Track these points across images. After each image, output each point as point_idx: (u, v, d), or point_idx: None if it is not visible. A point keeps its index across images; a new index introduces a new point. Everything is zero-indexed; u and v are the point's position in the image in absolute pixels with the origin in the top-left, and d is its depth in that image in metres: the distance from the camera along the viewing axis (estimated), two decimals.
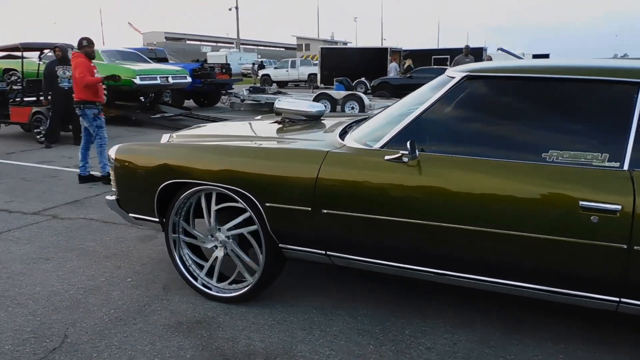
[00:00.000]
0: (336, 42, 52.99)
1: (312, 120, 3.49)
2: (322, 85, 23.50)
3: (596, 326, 2.63)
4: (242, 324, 2.70)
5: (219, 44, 58.56)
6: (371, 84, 19.60)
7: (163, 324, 2.69)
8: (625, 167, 2.02)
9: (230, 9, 41.77)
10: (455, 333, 2.58)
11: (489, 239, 2.16)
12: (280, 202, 2.51)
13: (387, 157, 2.33)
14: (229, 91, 15.24)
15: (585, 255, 2.03)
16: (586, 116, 2.18)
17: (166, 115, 12.04)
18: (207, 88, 15.12)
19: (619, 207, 1.95)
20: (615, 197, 1.96)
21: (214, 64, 17.10)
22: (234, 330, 2.63)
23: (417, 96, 2.76)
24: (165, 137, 3.35)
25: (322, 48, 27.13)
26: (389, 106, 3.11)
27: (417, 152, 2.23)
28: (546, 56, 36.95)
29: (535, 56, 33.64)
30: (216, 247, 2.90)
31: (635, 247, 1.93)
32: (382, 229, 2.35)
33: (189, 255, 3.02)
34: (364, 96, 13.03)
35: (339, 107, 12.79)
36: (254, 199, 2.57)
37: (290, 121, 3.50)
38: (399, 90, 17.48)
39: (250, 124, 3.73)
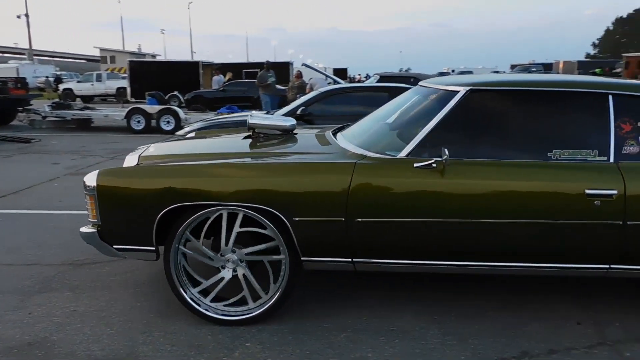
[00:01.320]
0: (144, 55, 50.84)
1: (287, 134, 3.50)
2: (133, 100, 22.49)
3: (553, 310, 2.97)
4: (80, 337, 2.75)
5: (6, 55, 51.46)
6: (185, 98, 19.47)
7: None
8: (612, 160, 2.56)
9: (19, 17, 37.15)
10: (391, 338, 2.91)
11: (512, 229, 2.53)
12: (311, 215, 2.58)
13: (416, 165, 2.56)
14: (26, 107, 13.73)
15: (590, 233, 2.51)
16: (576, 120, 2.71)
17: None
18: None
19: (615, 191, 2.47)
20: (611, 184, 2.48)
21: (5, 77, 15.20)
22: (72, 345, 2.67)
23: (397, 107, 3.30)
24: (130, 160, 3.09)
25: (130, 61, 25.92)
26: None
27: (442, 159, 2.47)
28: (344, 70, 40.80)
29: (335, 70, 36.93)
30: (223, 267, 2.82)
31: (628, 222, 2.47)
32: (414, 230, 2.58)
33: (185, 270, 2.85)
34: (179, 110, 13.00)
35: (154, 122, 12.55)
36: (281, 215, 2.58)
37: (266, 136, 3.49)
38: (213, 103, 17.74)
39: (225, 140, 3.79)
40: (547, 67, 40.93)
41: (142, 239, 2.72)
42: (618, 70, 33.78)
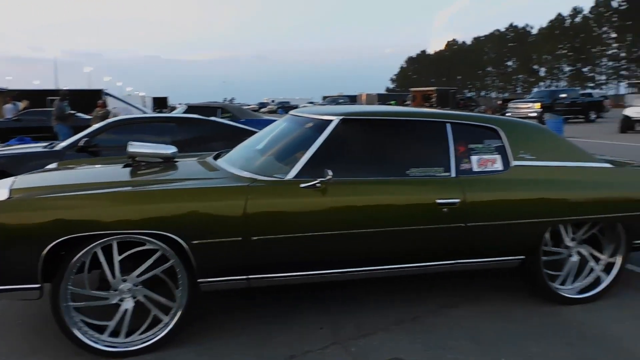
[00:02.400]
0: None
1: (168, 161, 3.45)
2: None
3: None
4: None
5: None
6: None
7: None
8: (453, 175, 3.05)
9: None
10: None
11: (384, 236, 2.87)
12: (210, 237, 2.63)
13: (302, 185, 2.76)
14: None
15: (442, 235, 2.96)
16: (425, 143, 3.16)
17: None
18: None
19: (458, 200, 2.94)
20: (455, 194, 2.95)
21: None
22: None
23: (271, 134, 3.54)
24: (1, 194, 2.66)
25: None
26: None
27: (326, 179, 2.71)
28: (165, 99, 39.91)
29: (155, 99, 35.96)
30: (122, 300, 2.67)
31: (468, 224, 2.97)
32: (304, 244, 2.76)
33: (83, 321, 2.62)
34: None
35: None
36: (180, 240, 2.58)
37: (147, 164, 3.39)
38: (6, 134, 15.96)
39: (106, 169, 3.55)
40: (353, 99, 45.50)
41: (25, 277, 2.52)
42: (408, 102, 39.11)
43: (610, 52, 66.11)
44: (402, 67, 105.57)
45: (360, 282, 3.57)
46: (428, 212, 2.92)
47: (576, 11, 67.80)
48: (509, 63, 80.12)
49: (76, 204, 2.56)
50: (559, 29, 68.43)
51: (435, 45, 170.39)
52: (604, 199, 3.23)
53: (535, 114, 22.93)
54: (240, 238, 2.67)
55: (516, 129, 3.30)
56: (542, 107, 23.14)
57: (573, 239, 3.28)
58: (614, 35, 64.46)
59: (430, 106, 34.76)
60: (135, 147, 3.37)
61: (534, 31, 74.65)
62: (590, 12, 66.18)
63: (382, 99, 45.16)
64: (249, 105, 58.80)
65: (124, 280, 2.66)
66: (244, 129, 6.00)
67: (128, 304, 2.67)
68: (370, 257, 2.94)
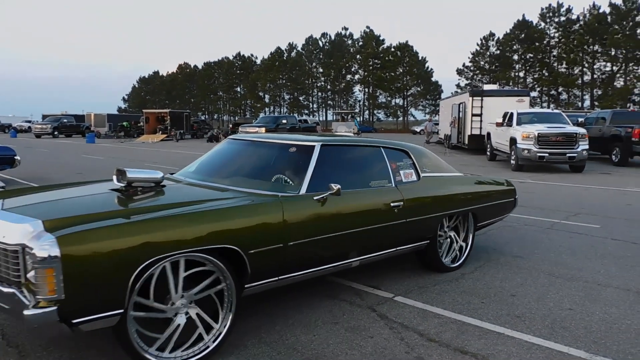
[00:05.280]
0: None
1: (159, 185, 3.53)
2: None
3: None
4: None
5: None
6: None
7: None
8: (393, 185, 4.11)
9: None
10: None
11: (369, 232, 3.74)
12: (261, 246, 3.04)
13: (315, 198, 3.39)
14: None
15: (394, 228, 3.95)
16: (375, 162, 4.13)
17: None
18: None
19: (401, 202, 4.01)
20: (398, 198, 3.99)
21: None
22: None
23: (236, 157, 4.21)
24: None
25: None
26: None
27: (330, 192, 3.37)
28: None
29: None
30: (176, 315, 2.81)
31: (407, 219, 4.02)
32: (320, 244, 3.41)
33: (137, 331, 2.67)
34: None
35: None
36: (240, 250, 2.92)
37: (143, 188, 3.43)
38: None
39: (106, 195, 3.36)
40: (79, 119, 42.02)
41: (110, 304, 2.48)
42: (141, 124, 38.26)
43: (319, 84, 77.43)
44: (134, 87, 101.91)
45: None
46: (389, 212, 3.91)
47: (292, 46, 77.30)
48: (238, 89, 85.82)
49: (154, 227, 2.67)
50: (278, 60, 76.78)
51: (167, 66, 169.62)
52: (468, 196, 4.76)
53: None
54: (281, 245, 3.15)
55: (415, 151, 4.56)
56: (266, 131, 25.99)
57: (448, 226, 4.67)
58: (321, 70, 75.82)
59: (165, 128, 34.95)
60: (134, 174, 3.40)
61: (258, 61, 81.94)
62: (302, 49, 76.37)
63: (112, 119, 42.95)
64: None
65: (182, 297, 2.82)
66: None
67: (181, 319, 2.82)
68: (359, 249, 3.79)
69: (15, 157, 9.95)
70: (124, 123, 38.72)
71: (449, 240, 4.70)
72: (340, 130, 23.70)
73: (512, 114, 15.00)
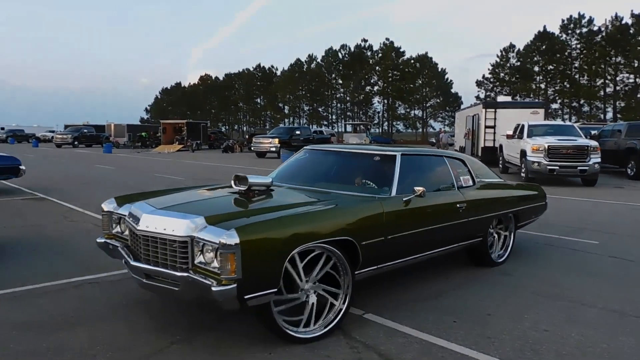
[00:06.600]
0: None
1: (269, 189, 4.04)
2: None
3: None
4: None
5: None
6: None
7: None
8: (456, 188, 4.69)
9: None
10: None
11: (437, 230, 4.26)
12: (370, 238, 3.60)
13: (404, 198, 3.93)
14: None
15: (461, 226, 4.54)
16: (438, 171, 4.72)
17: None
18: None
19: (465, 204, 4.55)
20: (462, 200, 4.58)
21: None
22: None
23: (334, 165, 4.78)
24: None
25: None
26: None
27: (415, 194, 3.94)
28: None
29: None
30: (307, 296, 3.32)
31: (469, 219, 4.62)
32: (409, 238, 3.96)
33: (282, 319, 3.26)
34: None
35: None
36: (355, 242, 3.46)
37: (260, 191, 3.95)
38: None
39: (229, 197, 3.94)
40: (100, 129, 42.85)
41: (268, 283, 2.99)
42: (158, 134, 38.81)
43: (338, 95, 77.61)
44: (156, 98, 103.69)
45: None
46: (456, 212, 4.49)
47: (311, 58, 77.74)
48: (258, 100, 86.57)
49: (301, 221, 3.28)
50: (298, 72, 77.29)
51: (190, 78, 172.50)
52: (512, 199, 5.43)
53: (274, 148, 25.73)
54: (382, 238, 3.71)
55: (469, 159, 5.27)
56: (280, 142, 26.04)
57: (495, 226, 5.26)
58: (340, 81, 76.01)
59: (182, 139, 35.38)
60: (255, 179, 3.94)
61: (279, 72, 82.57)
62: (322, 60, 76.75)
63: (132, 130, 43.69)
64: None
65: (306, 282, 3.31)
66: None
67: (313, 299, 3.35)
68: (435, 243, 4.38)
69: (20, 167, 10.16)
70: (143, 133, 39.35)
71: (495, 237, 5.28)
72: (351, 142, 23.70)
73: (523, 126, 14.71)
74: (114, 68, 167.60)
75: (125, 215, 3.74)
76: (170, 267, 3.09)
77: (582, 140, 13.18)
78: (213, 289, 2.81)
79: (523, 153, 13.46)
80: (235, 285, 2.82)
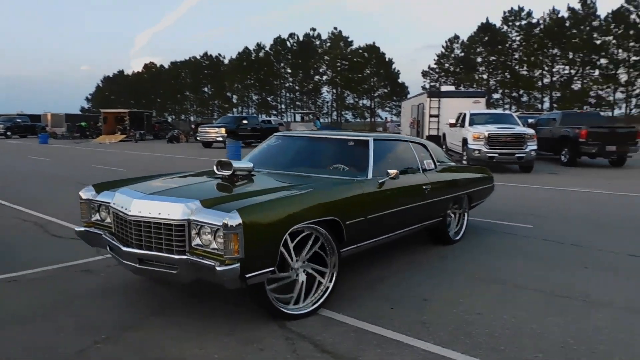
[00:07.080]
0: None
1: (251, 174, 4.15)
2: None
3: None
4: None
5: None
6: None
7: None
8: (420, 171, 4.94)
9: None
10: None
11: (408, 210, 4.55)
12: (353, 218, 3.77)
13: (379, 180, 4.15)
14: None
15: (427, 206, 4.83)
16: (404, 153, 5.01)
17: None
18: None
19: (429, 187, 4.84)
20: (426, 182, 4.87)
21: None
22: None
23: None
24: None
25: None
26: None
27: (389, 177, 4.18)
28: None
29: None
30: (297, 275, 3.48)
31: (433, 199, 4.91)
32: (386, 217, 4.19)
33: (274, 296, 3.41)
34: None
35: None
36: (340, 221, 3.62)
37: (242, 176, 4.06)
38: None
39: (213, 181, 4.00)
40: (35, 119, 40.60)
41: (266, 262, 3.11)
42: (99, 124, 37.24)
43: (287, 84, 77.12)
44: (98, 87, 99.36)
45: None
46: (422, 193, 4.78)
47: (260, 47, 76.74)
48: (205, 89, 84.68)
49: (294, 203, 3.39)
50: (247, 61, 76.11)
51: (133, 66, 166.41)
52: (467, 181, 5.86)
53: (221, 138, 25.20)
54: (363, 217, 3.90)
55: (429, 144, 5.62)
56: (227, 132, 25.52)
57: (452, 206, 5.57)
58: (289, 70, 75.53)
59: (124, 129, 34.07)
60: (238, 164, 4.05)
61: (226, 61, 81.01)
62: (270, 49, 75.88)
63: (71, 119, 41.66)
64: None
65: (296, 261, 3.44)
66: None
67: (302, 277, 3.50)
68: (406, 223, 4.65)
69: None
70: (82, 123, 37.59)
71: (452, 217, 5.65)
72: (298, 130, 23.67)
73: (465, 114, 15.09)
74: (50, 54, 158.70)
75: (108, 202, 3.70)
76: (166, 251, 3.13)
77: (520, 129, 13.66)
78: (217, 268, 2.90)
79: (464, 141, 13.81)
80: (238, 264, 2.92)
